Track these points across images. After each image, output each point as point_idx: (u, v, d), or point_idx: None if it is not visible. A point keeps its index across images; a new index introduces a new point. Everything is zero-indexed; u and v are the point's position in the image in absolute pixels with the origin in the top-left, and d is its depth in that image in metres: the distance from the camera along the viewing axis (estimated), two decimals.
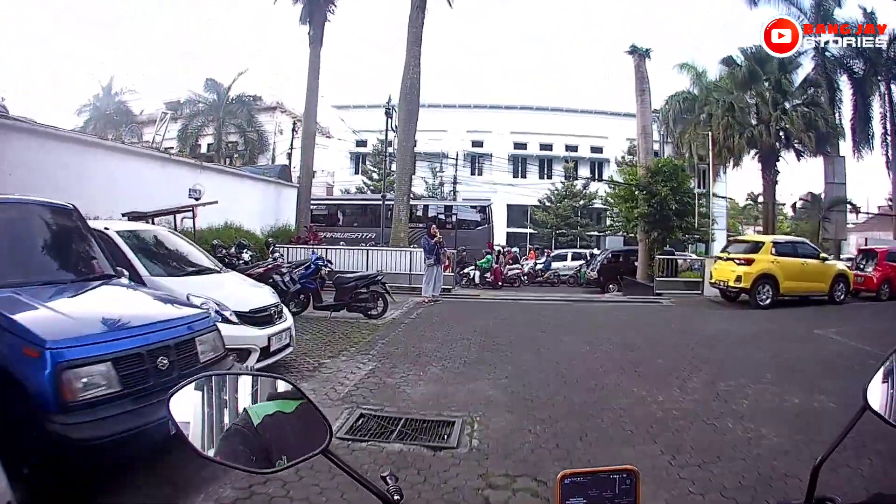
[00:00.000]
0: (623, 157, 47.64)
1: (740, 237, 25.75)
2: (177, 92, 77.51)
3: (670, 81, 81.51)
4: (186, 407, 1.45)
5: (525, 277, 32.97)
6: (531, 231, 51.25)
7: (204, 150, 48.14)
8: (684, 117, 40.70)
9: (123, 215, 14.49)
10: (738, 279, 19.26)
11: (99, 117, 51.73)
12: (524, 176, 54.16)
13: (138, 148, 21.29)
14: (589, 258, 35.04)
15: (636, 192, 26.94)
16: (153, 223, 14.39)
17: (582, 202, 49.75)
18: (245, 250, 18.32)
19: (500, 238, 40.99)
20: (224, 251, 16.70)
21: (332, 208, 37.45)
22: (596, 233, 49.84)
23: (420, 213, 34.70)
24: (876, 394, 1.39)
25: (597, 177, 51.37)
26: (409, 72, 23.95)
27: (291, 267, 16.39)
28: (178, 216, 17.38)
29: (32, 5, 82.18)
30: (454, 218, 35.37)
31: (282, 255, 20.76)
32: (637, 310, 19.17)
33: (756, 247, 20.13)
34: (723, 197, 45.58)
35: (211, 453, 1.39)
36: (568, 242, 47.58)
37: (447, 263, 19.90)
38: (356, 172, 54.17)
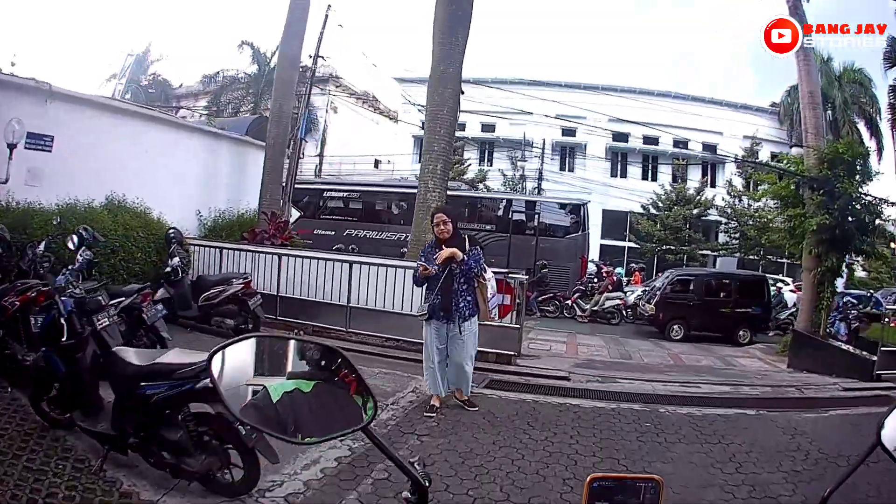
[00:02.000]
0: (745, 157, 36.88)
1: None
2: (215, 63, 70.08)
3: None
4: (227, 367, 1.39)
5: (628, 311, 21.91)
6: (631, 244, 39.53)
7: None
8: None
9: None
10: None
11: (132, 87, 42.50)
12: (624, 175, 42.62)
13: None
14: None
15: (806, 193, 16.04)
16: None
17: (696, 210, 38.09)
18: (84, 248, 8.32)
19: (592, 251, 29.47)
20: None
21: (370, 198, 26.95)
22: (709, 251, 38.35)
23: (491, 210, 25.72)
24: (890, 432, 1.31)
25: (709, 181, 40.43)
26: None
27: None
28: None
29: None
30: (536, 220, 25.10)
31: (182, 263, 11.05)
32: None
33: None
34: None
35: (244, 416, 1.36)
36: (676, 262, 36.18)
37: (489, 309, 7.84)
38: (419, 161, 43.11)
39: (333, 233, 24.82)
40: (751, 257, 35.15)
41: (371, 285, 11.28)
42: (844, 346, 13.55)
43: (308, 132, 40.45)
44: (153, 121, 14.93)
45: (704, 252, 38.30)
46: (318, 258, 12.09)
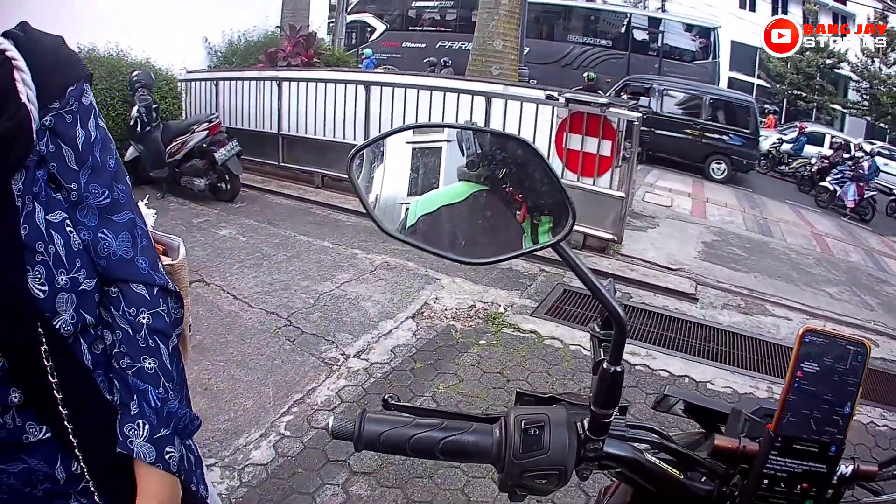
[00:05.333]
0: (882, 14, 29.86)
1: None
2: None
3: None
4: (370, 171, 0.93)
5: (762, 161, 18.18)
6: (761, 82, 33.35)
7: None
8: None
9: None
10: None
11: None
12: (753, 9, 34.37)
13: None
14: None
15: None
16: None
17: (829, 61, 31.59)
18: None
19: (720, 83, 25.81)
20: None
21: (465, 5, 22.37)
22: (839, 107, 32.07)
23: (608, 24, 22.57)
24: None
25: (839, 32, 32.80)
26: None
27: None
28: None
29: None
30: (659, 40, 21.91)
31: (146, 111, 7.66)
32: None
33: None
34: None
35: (394, 230, 0.90)
36: (807, 110, 31.11)
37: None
38: None
39: (424, 45, 22.29)
40: (881, 125, 30.14)
41: (398, 117, 7.18)
42: None
43: None
44: None
45: (835, 106, 32.35)
46: (327, 80, 8.01)
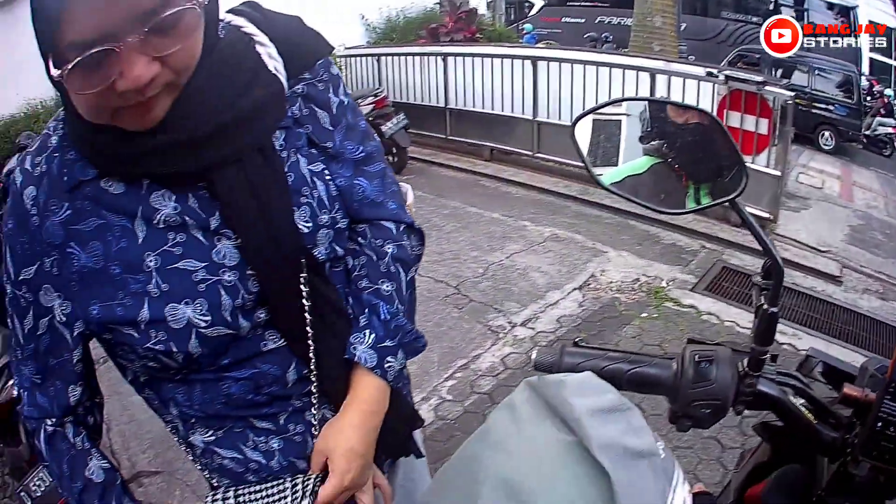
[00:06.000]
0: None
1: None
2: None
3: None
4: (590, 134, 1.06)
5: None
6: None
7: None
8: None
9: None
10: None
11: None
12: None
13: None
14: None
15: None
16: None
17: None
18: None
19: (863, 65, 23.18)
20: None
21: None
22: None
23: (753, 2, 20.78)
24: None
25: None
26: None
27: None
28: None
29: None
30: (805, 18, 19.44)
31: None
32: None
33: None
34: None
35: (608, 183, 1.03)
36: None
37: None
38: None
39: (583, 20, 20.88)
40: None
41: (566, 92, 7.19)
42: None
43: None
44: None
45: None
46: (493, 55, 8.08)
